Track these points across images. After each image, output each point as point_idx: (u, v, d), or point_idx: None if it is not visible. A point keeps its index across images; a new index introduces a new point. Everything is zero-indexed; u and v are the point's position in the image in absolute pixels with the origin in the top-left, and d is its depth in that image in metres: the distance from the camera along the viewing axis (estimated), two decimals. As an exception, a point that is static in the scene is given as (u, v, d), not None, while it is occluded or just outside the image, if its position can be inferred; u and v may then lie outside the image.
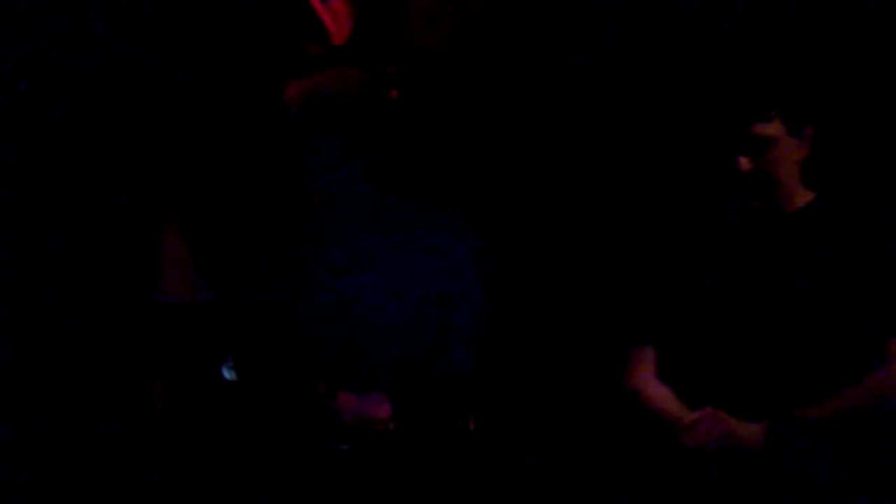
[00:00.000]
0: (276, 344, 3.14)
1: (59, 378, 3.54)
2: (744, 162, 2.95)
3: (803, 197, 3.02)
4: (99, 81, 3.67)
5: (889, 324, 2.86)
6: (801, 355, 2.85)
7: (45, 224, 3.63)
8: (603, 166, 3.76)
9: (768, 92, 2.97)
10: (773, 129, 2.93)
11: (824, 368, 2.85)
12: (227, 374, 3.21)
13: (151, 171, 3.69)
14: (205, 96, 3.69)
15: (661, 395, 2.97)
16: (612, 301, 3.52)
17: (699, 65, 3.62)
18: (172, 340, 3.46)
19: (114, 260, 3.64)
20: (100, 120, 3.69)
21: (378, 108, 3.31)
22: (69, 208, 3.64)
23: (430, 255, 3.17)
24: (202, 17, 3.72)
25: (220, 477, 3.10)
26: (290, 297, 3.18)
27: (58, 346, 3.56)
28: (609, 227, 3.73)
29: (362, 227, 3.22)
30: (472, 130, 3.81)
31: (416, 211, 3.24)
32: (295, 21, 3.72)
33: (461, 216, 3.25)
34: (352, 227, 3.21)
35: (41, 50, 3.65)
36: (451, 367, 3.11)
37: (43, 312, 3.57)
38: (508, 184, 3.80)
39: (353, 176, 3.21)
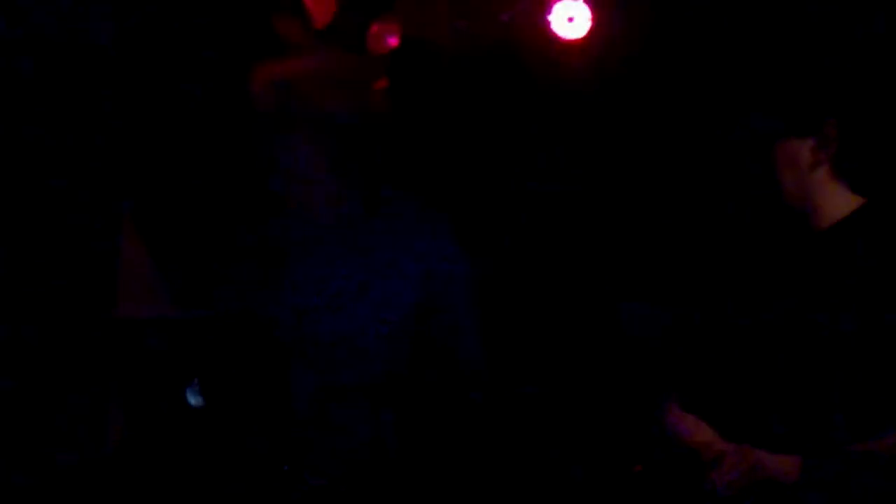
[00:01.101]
0: (246, 365, 3.09)
1: (6, 404, 3.45)
2: (742, 166, 2.76)
3: (839, 206, 2.72)
4: (57, 63, 3.63)
5: None
6: (826, 392, 2.65)
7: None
8: (607, 175, 3.86)
9: (755, 88, 2.73)
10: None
11: (857, 406, 2.63)
12: (193, 399, 3.16)
13: (109, 170, 3.63)
14: (173, 89, 3.64)
15: (694, 427, 2.82)
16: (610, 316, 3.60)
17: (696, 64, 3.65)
18: (132, 360, 3.43)
19: (67, 270, 3.56)
20: (59, 115, 3.61)
21: (363, 99, 3.12)
22: (20, 213, 3.55)
23: (413, 269, 3.04)
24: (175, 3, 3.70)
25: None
26: (261, 312, 3.06)
27: (5, 366, 3.46)
28: (608, 238, 3.86)
29: (337, 237, 3.07)
30: (464, 133, 3.78)
31: (398, 220, 3.09)
32: (274, 3, 3.63)
33: (445, 227, 3.11)
34: (326, 236, 3.06)
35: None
36: (433, 386, 3.03)
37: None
38: (501, 192, 3.78)
39: (328, 179, 3.01)
